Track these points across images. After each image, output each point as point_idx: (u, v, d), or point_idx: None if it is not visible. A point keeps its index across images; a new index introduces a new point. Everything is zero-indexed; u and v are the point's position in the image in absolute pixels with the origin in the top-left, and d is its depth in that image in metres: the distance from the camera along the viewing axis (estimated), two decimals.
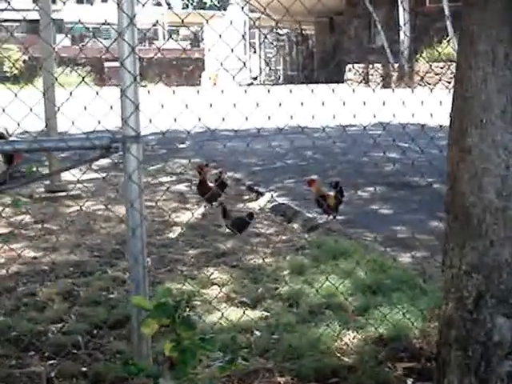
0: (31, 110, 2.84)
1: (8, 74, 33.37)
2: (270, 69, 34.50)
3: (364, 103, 3.95)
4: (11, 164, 9.82)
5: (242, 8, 29.97)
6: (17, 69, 33.87)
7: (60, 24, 45.64)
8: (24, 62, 35.70)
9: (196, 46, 43.94)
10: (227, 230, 6.21)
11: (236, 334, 3.73)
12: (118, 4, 2.64)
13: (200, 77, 38.20)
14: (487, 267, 2.33)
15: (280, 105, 3.35)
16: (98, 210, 7.30)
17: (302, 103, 3.55)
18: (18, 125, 2.86)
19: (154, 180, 8.90)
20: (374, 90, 2.52)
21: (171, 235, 6.20)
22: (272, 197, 7.36)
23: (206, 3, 56.56)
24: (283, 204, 7.14)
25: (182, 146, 12.20)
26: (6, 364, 3.52)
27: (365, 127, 4.43)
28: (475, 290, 2.37)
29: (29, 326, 3.95)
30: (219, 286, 4.57)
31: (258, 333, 3.82)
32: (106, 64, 38.42)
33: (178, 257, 5.48)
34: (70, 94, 2.80)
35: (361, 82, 26.71)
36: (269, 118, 3.53)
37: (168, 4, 51.88)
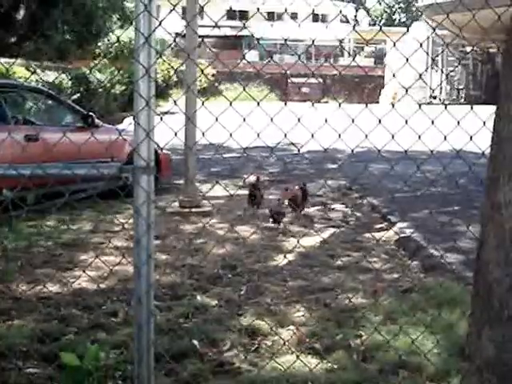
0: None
1: (197, 87, 34.77)
2: (451, 88, 32.95)
3: None
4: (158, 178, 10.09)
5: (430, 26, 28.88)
6: (206, 82, 35.11)
7: (249, 40, 47.18)
8: (213, 75, 37.16)
9: (380, 63, 43.24)
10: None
11: None
12: (131, 22, 2.42)
13: (379, 95, 37.50)
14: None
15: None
16: (220, 229, 7.19)
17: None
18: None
19: None
20: None
21: (278, 263, 5.90)
22: (396, 227, 6.81)
23: (395, 20, 55.57)
24: (408, 237, 6.53)
25: (332, 166, 11.84)
26: None
27: None
28: None
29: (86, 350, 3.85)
30: (297, 327, 4.21)
31: None
32: (291, 80, 39.01)
33: (275, 288, 5.16)
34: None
35: None
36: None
37: (356, 21, 51.65)
